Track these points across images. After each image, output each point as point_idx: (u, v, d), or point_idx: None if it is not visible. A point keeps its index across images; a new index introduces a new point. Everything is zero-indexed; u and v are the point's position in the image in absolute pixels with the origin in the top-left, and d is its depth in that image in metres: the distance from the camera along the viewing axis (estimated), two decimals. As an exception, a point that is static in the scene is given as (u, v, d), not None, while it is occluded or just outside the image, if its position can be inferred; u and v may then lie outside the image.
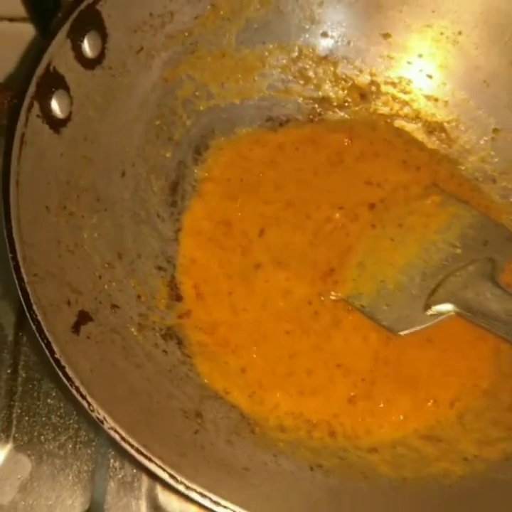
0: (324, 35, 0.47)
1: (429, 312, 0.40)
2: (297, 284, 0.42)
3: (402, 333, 0.40)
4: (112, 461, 0.42)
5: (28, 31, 0.49)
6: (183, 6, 0.42)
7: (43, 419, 0.43)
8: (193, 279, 0.43)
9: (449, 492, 0.35)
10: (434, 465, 0.36)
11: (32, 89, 0.35)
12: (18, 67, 0.52)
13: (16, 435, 0.42)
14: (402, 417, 0.39)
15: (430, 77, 0.47)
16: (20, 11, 0.48)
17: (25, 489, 0.41)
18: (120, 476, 0.41)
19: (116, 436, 0.29)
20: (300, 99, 0.48)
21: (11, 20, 0.50)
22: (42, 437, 0.43)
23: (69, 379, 0.30)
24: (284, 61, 0.47)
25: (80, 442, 0.42)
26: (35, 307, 0.31)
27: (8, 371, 0.44)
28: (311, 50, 0.47)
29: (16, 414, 0.43)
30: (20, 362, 0.44)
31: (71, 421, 0.43)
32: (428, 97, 0.48)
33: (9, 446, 0.42)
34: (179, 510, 0.41)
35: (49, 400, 0.43)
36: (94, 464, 0.42)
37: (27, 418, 0.43)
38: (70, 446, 0.42)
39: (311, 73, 0.48)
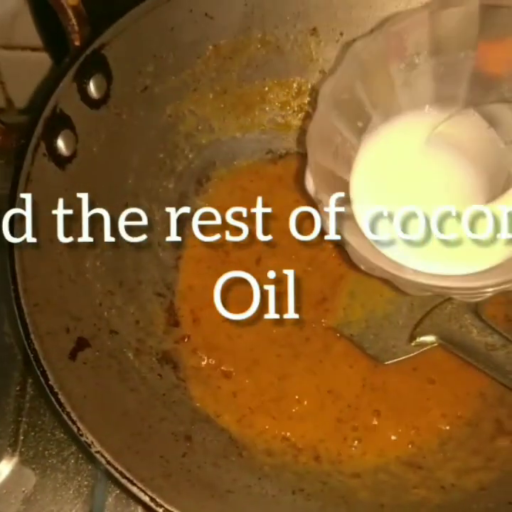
0: (322, 72, 0.48)
1: (414, 343, 0.41)
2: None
3: (386, 363, 0.41)
4: (110, 477, 0.43)
5: (47, 60, 0.52)
6: (186, 47, 0.44)
7: (48, 434, 0.44)
8: (191, 305, 0.45)
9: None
10: (413, 492, 0.37)
11: (39, 130, 0.37)
12: (37, 93, 0.55)
13: (22, 449, 0.44)
14: (385, 443, 0.40)
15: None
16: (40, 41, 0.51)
17: (29, 502, 0.43)
18: (118, 492, 0.43)
19: (102, 460, 0.30)
20: (299, 133, 0.50)
21: (33, 49, 0.52)
22: (46, 452, 0.44)
23: (61, 404, 0.31)
24: (284, 97, 0.49)
25: (82, 458, 0.44)
26: (32, 336, 0.33)
27: (17, 388, 0.45)
28: (309, 87, 0.48)
29: (23, 430, 0.44)
30: (28, 379, 0.46)
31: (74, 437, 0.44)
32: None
33: (15, 460, 0.44)
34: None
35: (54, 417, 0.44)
36: (94, 480, 0.43)
37: (33, 433, 0.44)
38: (73, 461, 0.44)
39: (309, 108, 0.49)
